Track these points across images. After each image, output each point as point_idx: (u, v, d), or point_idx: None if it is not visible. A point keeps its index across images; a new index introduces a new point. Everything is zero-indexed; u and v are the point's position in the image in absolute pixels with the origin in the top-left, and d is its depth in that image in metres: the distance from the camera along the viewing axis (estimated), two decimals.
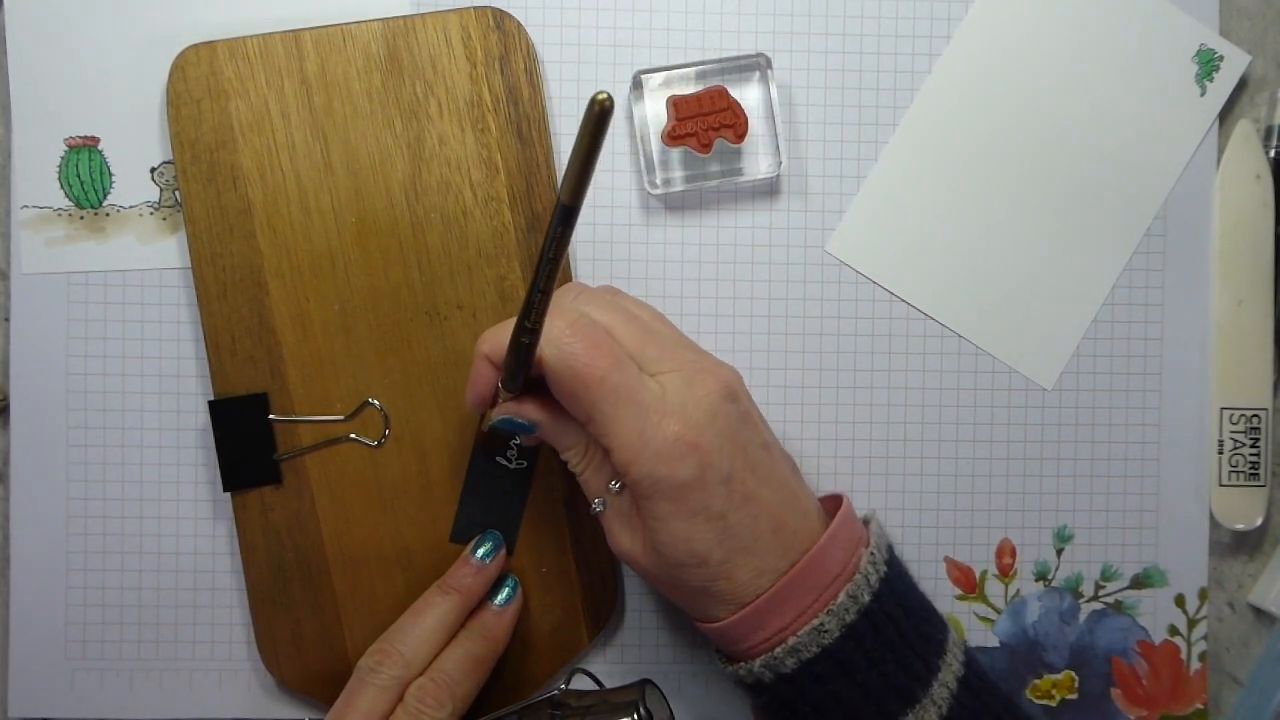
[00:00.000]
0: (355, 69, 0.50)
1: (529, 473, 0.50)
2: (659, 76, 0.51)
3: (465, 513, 0.50)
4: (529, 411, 0.45)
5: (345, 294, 0.50)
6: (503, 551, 0.49)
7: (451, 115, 0.50)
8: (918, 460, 0.53)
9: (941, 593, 0.53)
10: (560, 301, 0.44)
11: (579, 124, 0.34)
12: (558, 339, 0.42)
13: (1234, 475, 0.52)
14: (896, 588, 0.45)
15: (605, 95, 0.33)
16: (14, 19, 0.51)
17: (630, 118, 0.52)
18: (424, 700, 0.45)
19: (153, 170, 0.51)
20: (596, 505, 0.45)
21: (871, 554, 0.44)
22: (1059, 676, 0.53)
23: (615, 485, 0.44)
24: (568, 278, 0.51)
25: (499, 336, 0.43)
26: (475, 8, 0.50)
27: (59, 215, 0.51)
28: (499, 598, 0.49)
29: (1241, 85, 0.53)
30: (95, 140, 0.51)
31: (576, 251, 0.52)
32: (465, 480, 0.50)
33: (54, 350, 0.51)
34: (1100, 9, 0.53)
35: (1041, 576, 0.53)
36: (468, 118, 0.50)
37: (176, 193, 0.51)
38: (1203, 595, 0.53)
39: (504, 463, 0.50)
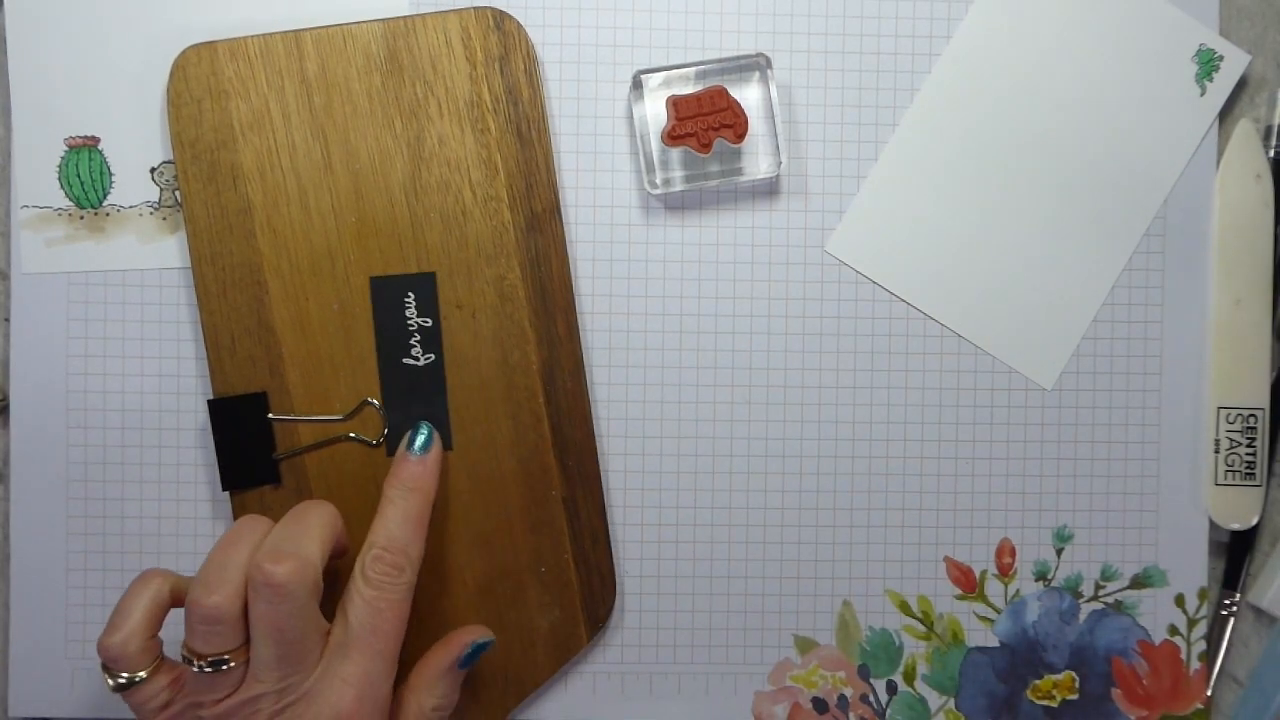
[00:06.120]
0: (355, 69, 0.50)
1: (440, 363, 0.50)
2: (659, 76, 0.51)
3: (393, 420, 0.50)
4: None
5: (345, 294, 0.50)
6: (438, 439, 0.49)
7: (451, 115, 0.50)
8: (918, 460, 0.53)
9: (941, 593, 0.53)
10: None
11: None
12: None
13: (1230, 474, 0.52)
14: None
15: None
16: (14, 19, 0.51)
17: (630, 117, 0.52)
18: (384, 573, 0.45)
19: (153, 170, 0.51)
20: None
21: None
22: (1059, 676, 0.53)
23: None
24: (567, 278, 0.51)
25: None
26: (475, 8, 0.50)
27: (59, 215, 0.51)
28: (416, 445, 0.48)
29: (1241, 85, 0.53)
30: (95, 140, 0.51)
31: (576, 252, 0.52)
32: (381, 391, 0.50)
33: (54, 350, 0.51)
34: (1100, 9, 0.53)
35: (1041, 576, 0.53)
36: (467, 118, 0.50)
37: (176, 192, 0.51)
38: (1202, 595, 0.53)
39: (412, 362, 0.50)
